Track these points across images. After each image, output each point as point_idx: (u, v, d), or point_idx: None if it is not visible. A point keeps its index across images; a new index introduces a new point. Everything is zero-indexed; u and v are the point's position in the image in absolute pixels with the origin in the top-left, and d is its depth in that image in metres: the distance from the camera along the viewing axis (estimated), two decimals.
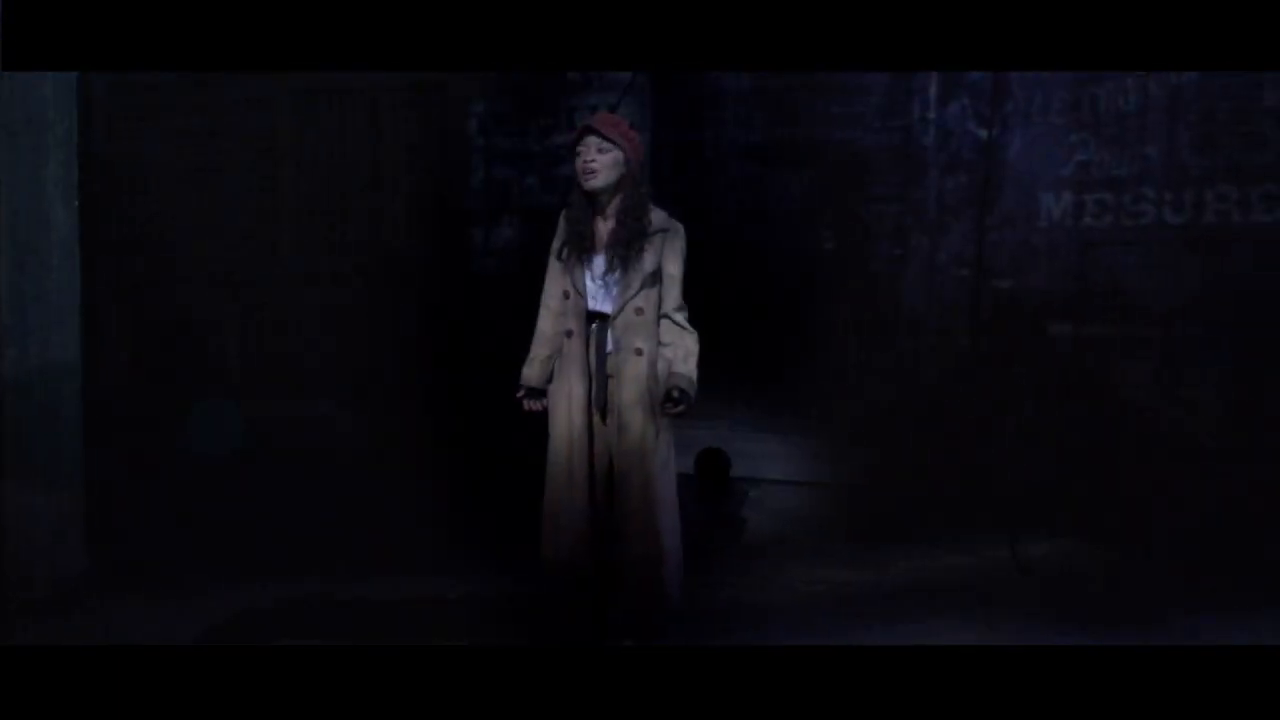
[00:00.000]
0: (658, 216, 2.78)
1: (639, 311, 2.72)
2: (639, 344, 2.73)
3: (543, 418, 2.89)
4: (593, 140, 2.71)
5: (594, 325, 2.77)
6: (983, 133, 4.30)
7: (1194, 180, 4.08)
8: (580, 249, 2.77)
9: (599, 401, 2.77)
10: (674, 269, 2.77)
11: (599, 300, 2.77)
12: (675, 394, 2.76)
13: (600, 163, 2.70)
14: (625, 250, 2.71)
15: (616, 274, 2.73)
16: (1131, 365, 4.21)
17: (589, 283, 2.78)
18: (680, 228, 2.79)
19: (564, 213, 2.88)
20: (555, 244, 2.91)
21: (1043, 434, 4.30)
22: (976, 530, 3.88)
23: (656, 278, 2.73)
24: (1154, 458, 4.13)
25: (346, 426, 5.12)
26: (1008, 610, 3.04)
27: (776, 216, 4.63)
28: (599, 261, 2.77)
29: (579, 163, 2.71)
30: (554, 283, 2.90)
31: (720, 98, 4.64)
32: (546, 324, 2.92)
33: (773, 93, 4.57)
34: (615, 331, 2.73)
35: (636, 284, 2.71)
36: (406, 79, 4.83)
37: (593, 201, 2.76)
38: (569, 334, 2.80)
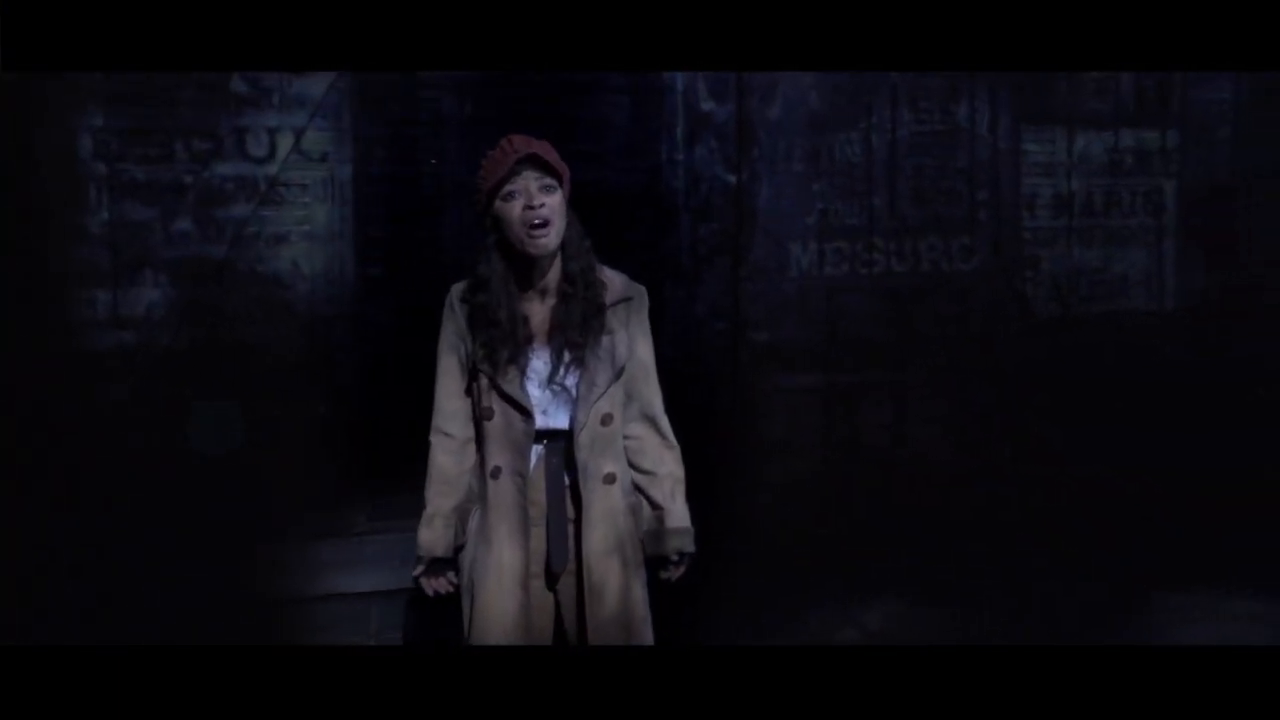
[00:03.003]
0: (616, 280, 2.03)
1: (607, 420, 1.95)
2: (610, 466, 1.96)
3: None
4: (533, 176, 1.88)
5: (542, 448, 1.94)
6: (731, 178, 4.10)
7: (912, 230, 4.32)
8: (511, 345, 1.90)
9: (560, 562, 1.94)
10: (647, 353, 2.05)
11: (550, 413, 1.94)
12: (676, 556, 2.05)
13: (551, 209, 1.88)
14: (581, 335, 1.91)
15: (573, 371, 1.92)
16: (871, 411, 4.33)
17: (533, 391, 1.92)
18: (644, 292, 2.07)
19: (461, 293, 1.98)
20: (450, 342, 1.99)
21: (805, 490, 4.23)
22: (805, 604, 3.65)
23: (623, 367, 1.98)
24: (895, 501, 4.30)
25: None
26: None
27: None
28: (542, 358, 1.94)
29: (516, 212, 1.85)
30: (455, 399, 2.00)
31: (442, 125, 3.82)
32: (448, 461, 2.01)
33: (504, 121, 3.86)
34: (580, 453, 1.92)
35: (604, 380, 1.94)
36: None
37: (522, 270, 1.93)
38: (496, 473, 1.92)
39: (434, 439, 2.02)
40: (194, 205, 3.57)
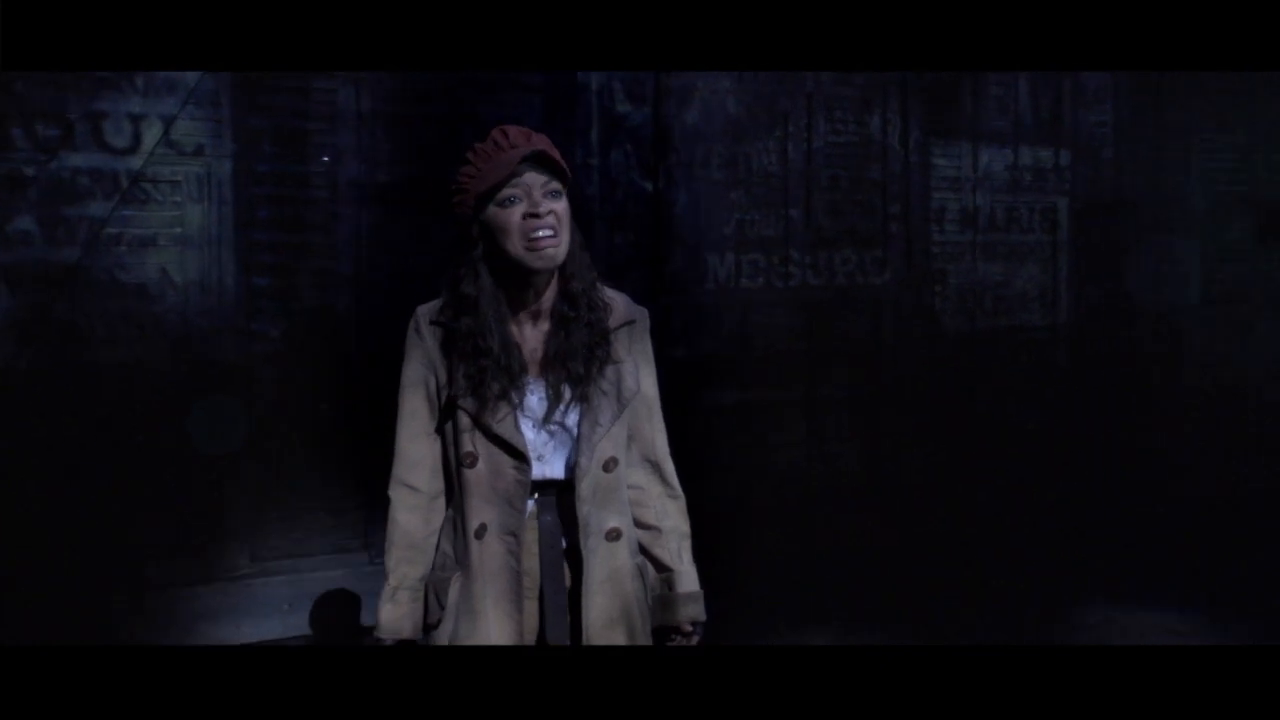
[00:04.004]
0: (619, 300, 1.72)
1: (610, 465, 1.65)
2: (614, 520, 1.65)
3: None
4: (537, 178, 1.57)
5: (533, 502, 1.64)
6: (648, 185, 3.89)
7: (827, 243, 4.23)
8: (503, 378, 1.60)
9: (558, 639, 1.65)
10: (651, 385, 1.76)
11: (546, 458, 1.64)
12: (690, 627, 1.76)
13: (559, 217, 1.57)
14: (584, 366, 1.62)
15: (574, 408, 1.63)
16: (785, 427, 4.21)
17: (528, 432, 1.62)
18: (647, 314, 1.78)
19: (433, 316, 1.64)
20: (417, 374, 1.66)
21: (724, 510, 4.05)
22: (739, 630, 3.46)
23: (630, 401, 1.69)
24: (812, 519, 4.19)
25: None
26: None
27: (409, 275, 3.59)
28: (537, 393, 1.63)
29: (515, 220, 1.53)
30: (422, 442, 1.66)
31: (337, 119, 3.44)
32: (414, 520, 1.67)
33: (405, 119, 3.53)
34: (582, 506, 1.62)
35: (608, 418, 1.64)
36: None
37: (515, 289, 1.62)
38: (480, 532, 1.61)
39: (395, 493, 1.67)
40: (37, 201, 3.06)
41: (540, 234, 1.54)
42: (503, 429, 1.58)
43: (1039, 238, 4.74)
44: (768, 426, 4.16)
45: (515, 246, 1.55)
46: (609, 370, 1.63)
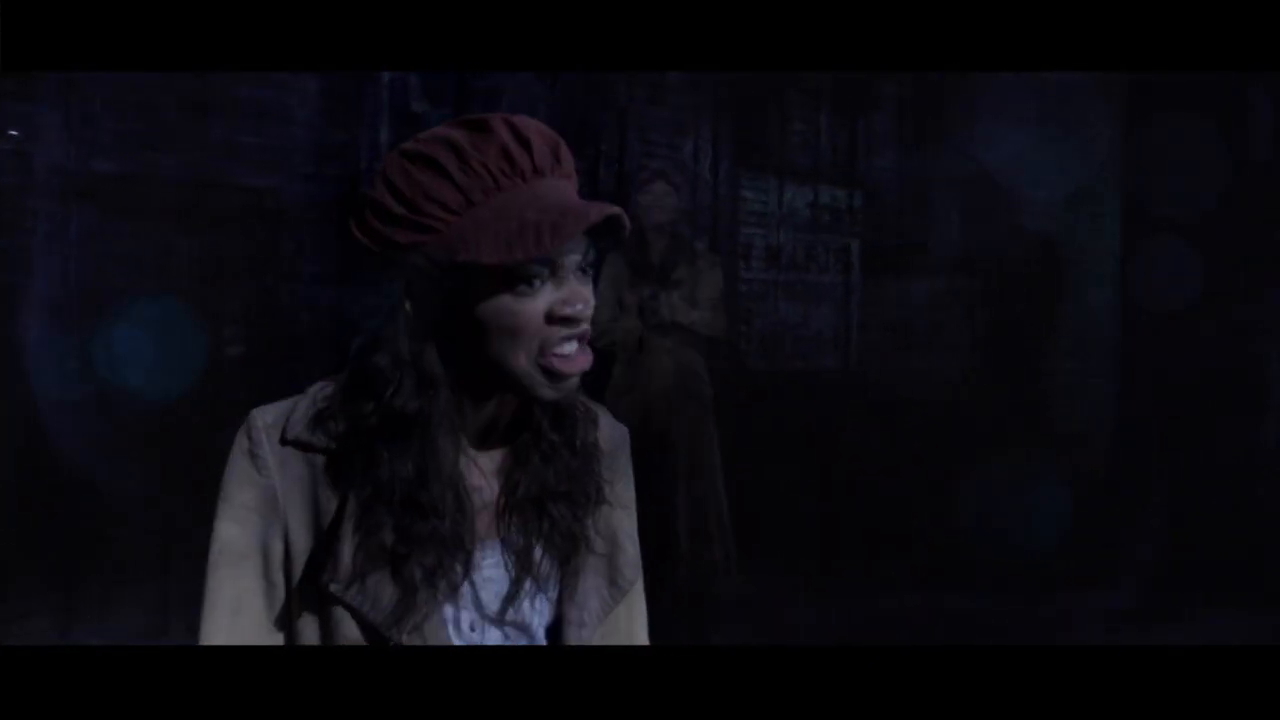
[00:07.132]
0: (600, 416, 1.04)
1: None
2: None
3: None
4: (577, 251, 0.88)
5: None
6: None
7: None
8: (441, 553, 0.87)
9: None
10: (636, 534, 1.06)
11: None
12: None
13: (590, 308, 0.90)
14: (579, 522, 0.96)
15: (548, 587, 0.97)
16: None
17: (463, 639, 0.92)
18: (627, 435, 1.09)
19: (287, 433, 0.87)
20: (251, 533, 0.88)
21: None
22: None
23: (633, 580, 1.04)
24: None
25: None
26: None
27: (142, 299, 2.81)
28: (487, 567, 0.93)
29: (532, 317, 0.86)
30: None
31: (36, 85, 2.60)
32: None
33: (135, 94, 2.75)
34: None
35: (597, 608, 0.99)
36: None
37: (473, 402, 0.92)
38: None
39: None
40: None
41: (567, 351, 0.89)
42: (423, 640, 0.90)
43: (834, 278, 4.65)
44: None
45: (520, 361, 0.88)
46: (600, 518, 0.99)
